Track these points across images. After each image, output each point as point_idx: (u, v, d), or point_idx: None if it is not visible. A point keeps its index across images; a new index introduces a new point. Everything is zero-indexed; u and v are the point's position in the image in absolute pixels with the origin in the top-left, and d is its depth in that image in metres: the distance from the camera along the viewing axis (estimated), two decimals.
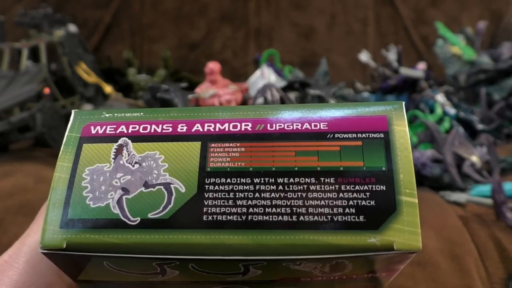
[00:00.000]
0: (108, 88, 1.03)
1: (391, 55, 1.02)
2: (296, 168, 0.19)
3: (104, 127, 0.21)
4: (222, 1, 1.36)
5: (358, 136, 0.19)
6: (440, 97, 0.90)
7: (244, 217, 0.18)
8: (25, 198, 0.63)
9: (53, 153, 0.87)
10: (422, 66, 1.04)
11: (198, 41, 1.36)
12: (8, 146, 0.88)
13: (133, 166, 0.20)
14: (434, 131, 0.70)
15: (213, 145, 0.20)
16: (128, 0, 1.35)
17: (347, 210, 0.18)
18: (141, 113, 0.21)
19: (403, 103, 0.20)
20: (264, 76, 0.91)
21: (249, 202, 0.18)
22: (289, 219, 0.18)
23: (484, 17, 1.28)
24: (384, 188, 0.18)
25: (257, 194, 0.18)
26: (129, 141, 0.20)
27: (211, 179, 0.19)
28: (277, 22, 1.37)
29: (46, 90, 0.91)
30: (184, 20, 1.36)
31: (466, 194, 0.63)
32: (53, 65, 0.98)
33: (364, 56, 1.04)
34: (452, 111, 0.88)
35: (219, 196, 0.19)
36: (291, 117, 0.20)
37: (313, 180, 0.19)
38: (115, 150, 0.20)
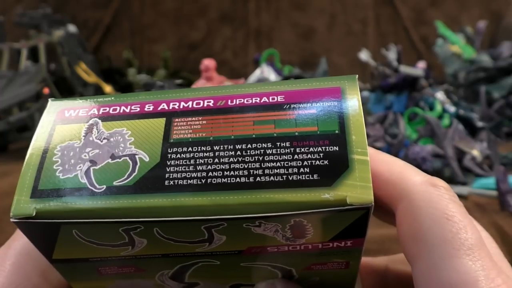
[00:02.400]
0: (107, 88, 1.03)
1: (391, 54, 1.01)
2: (253, 136, 0.20)
3: (77, 110, 0.22)
4: (222, 1, 1.36)
5: (313, 105, 0.21)
6: (440, 95, 0.90)
7: (203, 181, 0.19)
8: None
9: None
10: (422, 65, 1.04)
11: (198, 41, 1.36)
12: (7, 146, 0.88)
13: (102, 141, 0.21)
14: (435, 125, 0.70)
15: (176, 120, 0.21)
16: (128, 1, 1.35)
17: (301, 170, 0.19)
18: (112, 98, 0.22)
19: (356, 76, 0.22)
20: (264, 75, 0.91)
21: (209, 167, 0.19)
22: (247, 180, 0.19)
23: (484, 17, 1.28)
24: (337, 149, 0.19)
25: (216, 160, 0.20)
26: (99, 121, 0.21)
27: (174, 148, 0.20)
28: (277, 23, 1.37)
29: (45, 90, 0.91)
30: (184, 20, 1.36)
31: (468, 187, 0.63)
32: (52, 65, 0.98)
33: (364, 55, 1.03)
34: (451, 108, 0.88)
35: (181, 163, 0.20)
36: (250, 93, 0.22)
37: (269, 145, 0.20)
38: (85, 129, 0.21)
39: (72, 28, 1.08)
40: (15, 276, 0.23)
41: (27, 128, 0.84)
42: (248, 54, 1.34)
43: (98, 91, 1.05)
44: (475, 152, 0.67)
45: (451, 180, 0.67)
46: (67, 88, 1.00)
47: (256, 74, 0.95)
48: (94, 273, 0.23)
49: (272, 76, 0.92)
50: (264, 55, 1.03)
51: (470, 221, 0.19)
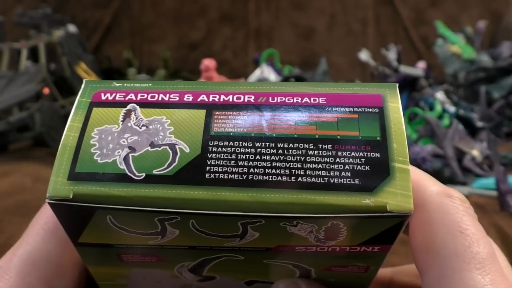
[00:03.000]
0: None
1: (391, 54, 1.02)
2: (295, 135, 0.20)
3: (114, 94, 0.22)
4: (222, 1, 1.36)
5: (355, 110, 0.21)
6: (440, 95, 0.90)
7: (245, 176, 0.19)
8: (23, 198, 0.63)
9: (52, 153, 0.87)
10: (421, 65, 1.04)
11: (198, 41, 1.36)
12: (7, 146, 0.88)
13: (140, 128, 0.20)
14: (435, 126, 0.70)
15: (217, 112, 0.21)
16: (128, 1, 1.35)
17: (343, 173, 0.19)
18: (150, 84, 0.22)
19: (397, 84, 0.22)
20: (264, 75, 0.91)
21: (250, 163, 0.19)
22: (288, 180, 0.19)
23: (484, 17, 1.28)
24: (379, 155, 0.19)
25: (257, 157, 0.20)
26: (137, 107, 0.21)
27: (215, 141, 0.20)
28: (277, 23, 1.37)
29: (45, 90, 0.91)
30: (184, 20, 1.36)
31: (468, 187, 0.63)
32: (52, 65, 0.98)
33: (364, 55, 1.03)
34: (451, 108, 0.88)
35: (222, 157, 0.20)
36: (291, 91, 0.22)
37: (311, 146, 0.20)
38: (123, 114, 0.21)
39: (72, 28, 1.08)
40: (19, 286, 0.23)
41: (27, 128, 0.84)
42: (248, 54, 1.34)
43: None
44: (475, 152, 0.67)
45: (451, 180, 0.67)
46: (67, 88, 1.00)
47: (256, 74, 0.95)
48: (115, 259, 0.23)
49: (272, 76, 0.92)
50: (264, 55, 1.03)
51: (484, 235, 0.19)
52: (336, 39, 1.37)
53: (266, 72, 0.93)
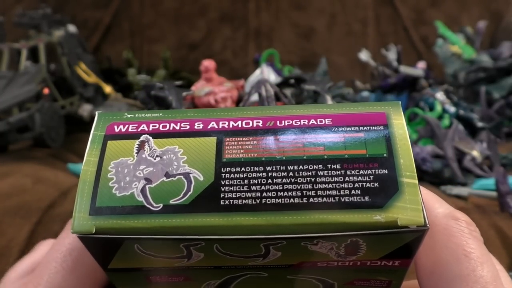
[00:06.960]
0: (107, 88, 1.03)
1: (391, 54, 1.02)
2: (304, 157, 0.21)
3: (127, 126, 0.22)
4: (222, 1, 1.36)
5: (360, 129, 0.21)
6: (440, 95, 0.90)
7: (258, 201, 0.20)
8: (23, 199, 0.63)
9: (52, 154, 0.87)
10: (421, 65, 1.04)
11: (198, 41, 1.36)
12: (7, 147, 0.88)
13: (155, 159, 0.21)
14: (435, 126, 0.70)
15: (227, 139, 0.22)
16: (128, 1, 1.35)
17: (353, 191, 0.20)
18: (160, 114, 0.23)
19: (400, 102, 0.23)
20: (264, 75, 0.91)
21: (263, 187, 0.20)
22: (300, 201, 0.20)
23: (484, 17, 1.28)
24: (387, 172, 0.20)
25: (269, 180, 0.20)
26: (150, 138, 0.22)
27: (227, 168, 0.21)
28: (277, 22, 1.37)
29: (45, 91, 0.91)
30: (184, 20, 1.36)
31: (468, 188, 0.63)
32: (52, 65, 0.98)
33: (364, 55, 1.03)
34: (452, 109, 0.88)
35: (235, 183, 0.20)
36: (298, 114, 0.22)
37: (320, 166, 0.20)
38: (137, 146, 0.22)
39: (72, 28, 1.08)
40: None
41: (27, 128, 0.84)
42: (248, 54, 1.34)
43: (98, 91, 1.04)
44: (475, 153, 0.67)
45: (451, 181, 0.67)
46: (67, 88, 1.00)
47: (256, 74, 0.94)
48: (143, 281, 0.24)
49: (272, 76, 0.91)
50: (264, 55, 1.03)
51: (488, 258, 0.20)
52: (336, 39, 1.37)
53: (266, 72, 0.93)
